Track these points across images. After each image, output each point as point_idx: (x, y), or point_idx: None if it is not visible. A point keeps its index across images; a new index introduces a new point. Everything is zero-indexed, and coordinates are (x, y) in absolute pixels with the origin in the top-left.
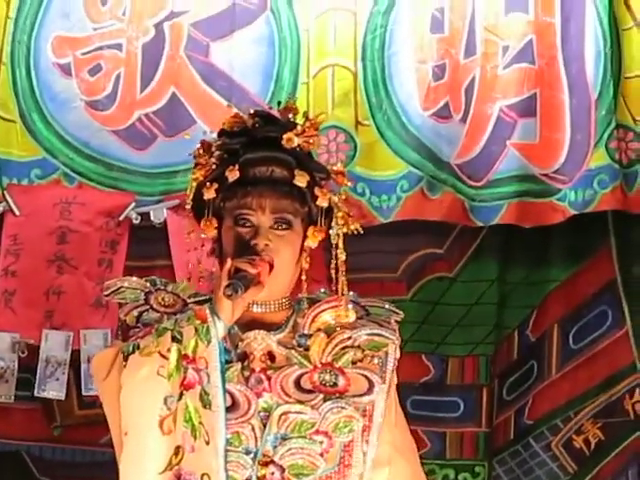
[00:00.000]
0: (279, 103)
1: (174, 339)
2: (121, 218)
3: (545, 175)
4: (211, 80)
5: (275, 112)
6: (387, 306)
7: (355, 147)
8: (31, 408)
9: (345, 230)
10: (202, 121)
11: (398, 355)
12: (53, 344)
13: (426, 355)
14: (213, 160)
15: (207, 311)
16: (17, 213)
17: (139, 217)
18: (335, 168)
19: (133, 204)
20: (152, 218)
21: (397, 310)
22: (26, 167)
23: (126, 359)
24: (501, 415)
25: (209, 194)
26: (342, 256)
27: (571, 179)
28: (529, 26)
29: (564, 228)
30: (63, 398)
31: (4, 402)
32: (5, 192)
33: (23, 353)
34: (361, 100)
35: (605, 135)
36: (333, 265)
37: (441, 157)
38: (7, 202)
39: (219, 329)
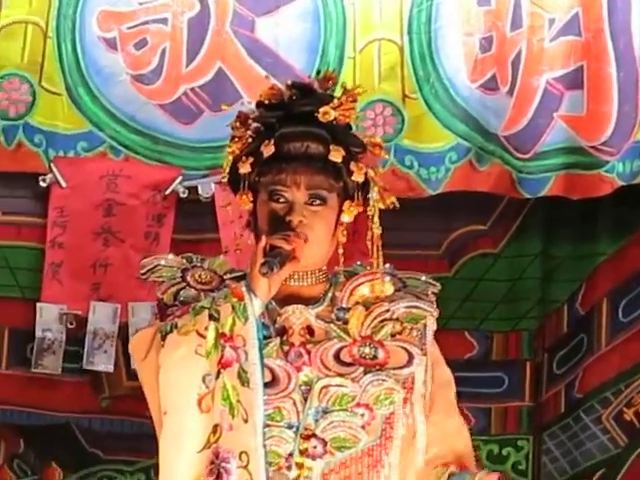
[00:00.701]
0: (318, 72)
1: (211, 317)
2: (167, 192)
3: (592, 147)
4: (257, 55)
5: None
6: (424, 278)
7: (402, 120)
8: (79, 380)
9: (381, 205)
10: (248, 96)
11: (435, 327)
12: (100, 316)
13: (469, 332)
14: (249, 133)
15: (243, 289)
16: (63, 185)
17: (186, 191)
18: (372, 140)
19: (180, 178)
20: (200, 192)
21: (434, 282)
22: (72, 140)
23: (164, 339)
24: (551, 389)
25: (244, 168)
26: (377, 230)
27: (619, 151)
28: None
29: (611, 201)
30: (111, 371)
31: (52, 374)
32: (52, 164)
33: (71, 324)
34: (408, 73)
35: None
36: (369, 238)
37: (488, 129)
38: (54, 174)
39: (256, 306)
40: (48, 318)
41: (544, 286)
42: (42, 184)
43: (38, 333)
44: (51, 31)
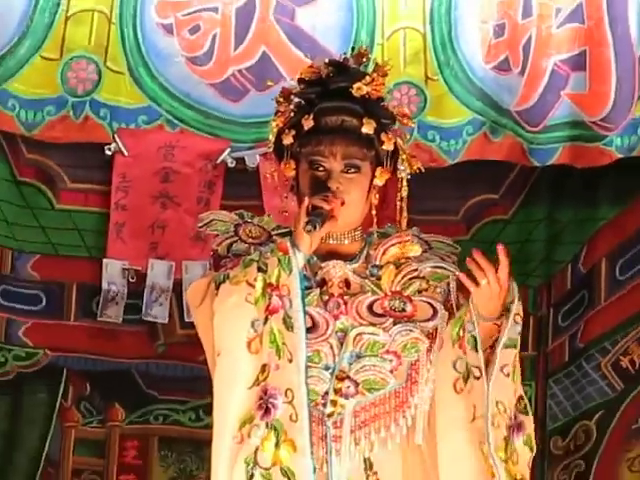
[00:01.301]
0: (353, 49)
1: (259, 269)
2: (218, 162)
3: (593, 122)
4: (297, 41)
5: (350, 59)
6: (447, 241)
7: (425, 100)
8: (138, 330)
9: (409, 170)
10: (288, 77)
11: (455, 286)
12: (157, 272)
13: None
14: (291, 107)
15: (288, 244)
16: (126, 154)
17: (234, 161)
18: (401, 110)
19: (228, 149)
20: (246, 163)
21: (455, 245)
22: (133, 113)
23: (218, 287)
24: (556, 340)
25: (287, 140)
26: (405, 193)
27: (617, 126)
28: None
29: (610, 171)
30: (166, 321)
31: (113, 322)
32: (115, 135)
33: (132, 279)
34: (430, 58)
35: None
36: (398, 199)
37: (502, 105)
38: (117, 144)
39: (299, 260)
40: (112, 272)
41: (549, 248)
42: (107, 153)
43: (104, 285)
44: (115, 18)
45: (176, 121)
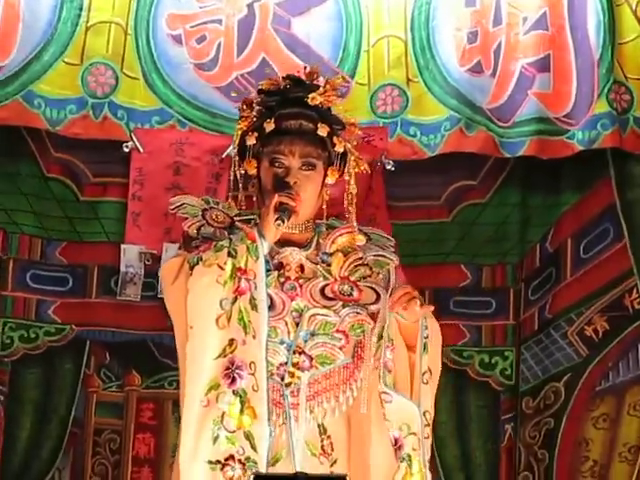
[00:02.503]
0: (305, 68)
1: (229, 254)
2: (223, 156)
3: (557, 118)
4: (293, 48)
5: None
6: (382, 233)
7: (407, 99)
8: (153, 305)
9: (356, 170)
10: None
11: (393, 272)
12: (171, 255)
13: (464, 264)
14: (254, 114)
15: (255, 233)
16: (141, 150)
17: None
18: (349, 120)
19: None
20: None
21: (390, 237)
22: (148, 115)
23: (192, 269)
24: (527, 311)
25: (251, 141)
26: (353, 190)
27: (578, 122)
28: (543, 1)
29: (574, 162)
30: None
31: (133, 300)
32: (132, 134)
33: (148, 261)
34: (411, 62)
35: (605, 89)
36: (346, 195)
37: (475, 103)
38: (133, 142)
39: (265, 247)
40: (130, 257)
41: (522, 229)
42: (125, 150)
43: (122, 268)
44: (130, 29)
45: (186, 121)
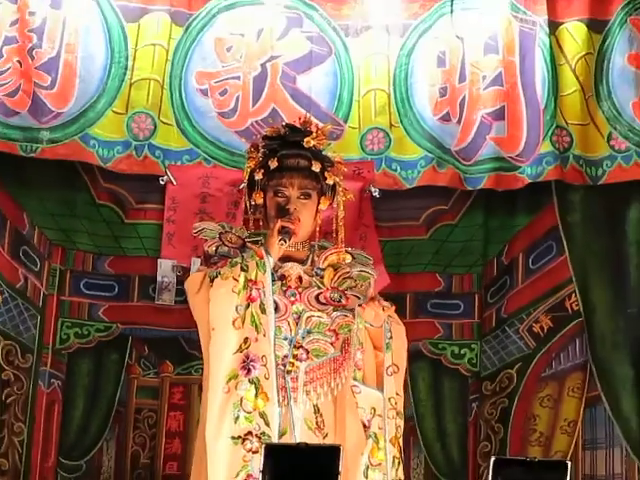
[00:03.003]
0: (299, 118)
1: (242, 269)
2: (241, 187)
3: (510, 157)
4: (297, 99)
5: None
6: (363, 253)
7: (390, 140)
8: (184, 308)
9: (344, 199)
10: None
11: (373, 284)
12: (196, 268)
13: (439, 274)
14: (259, 155)
15: (263, 251)
16: (174, 183)
17: None
18: (337, 159)
19: None
20: None
21: (368, 256)
22: (179, 154)
23: (212, 281)
24: (487, 312)
25: (258, 176)
26: (341, 214)
27: (527, 159)
28: (499, 62)
29: (525, 191)
30: None
31: (167, 304)
32: (167, 169)
33: (180, 273)
34: (393, 111)
35: (550, 132)
36: (335, 220)
37: (445, 145)
38: (168, 176)
39: (271, 263)
40: (165, 269)
41: (484, 245)
42: (161, 182)
43: (159, 278)
44: (165, 85)
45: (210, 159)
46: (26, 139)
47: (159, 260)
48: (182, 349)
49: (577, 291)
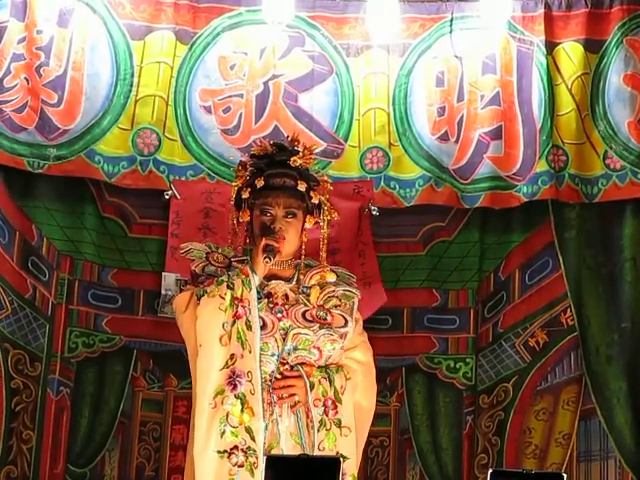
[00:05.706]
0: (288, 137)
1: (228, 287)
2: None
3: (507, 176)
4: (299, 117)
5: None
6: (347, 272)
7: (389, 159)
8: None
9: (329, 217)
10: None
11: (357, 303)
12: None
13: (435, 289)
14: (247, 173)
15: (248, 270)
16: (178, 197)
17: None
18: (323, 178)
19: None
20: None
21: (352, 275)
22: (184, 169)
23: (199, 299)
24: (484, 326)
25: (245, 195)
26: (325, 233)
27: (524, 178)
28: (497, 82)
29: (521, 209)
30: None
31: (170, 317)
32: (171, 184)
33: (183, 287)
34: (392, 130)
35: (545, 151)
36: (320, 240)
37: (443, 165)
38: (172, 191)
39: (256, 281)
40: (169, 282)
41: (480, 261)
42: (165, 197)
43: (162, 291)
44: (170, 101)
45: (213, 174)
46: (33, 155)
47: (163, 273)
48: (185, 363)
49: (572, 306)
